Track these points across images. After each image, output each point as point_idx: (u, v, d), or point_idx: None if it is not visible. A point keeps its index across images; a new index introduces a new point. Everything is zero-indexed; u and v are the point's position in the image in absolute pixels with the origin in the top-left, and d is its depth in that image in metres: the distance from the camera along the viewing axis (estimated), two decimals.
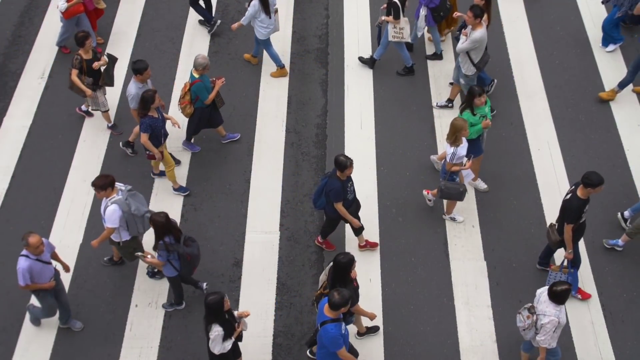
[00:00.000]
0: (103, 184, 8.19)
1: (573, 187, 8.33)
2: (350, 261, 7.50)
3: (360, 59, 12.02)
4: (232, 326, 7.43)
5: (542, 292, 7.64)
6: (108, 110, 10.78)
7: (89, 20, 11.90)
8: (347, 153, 10.74)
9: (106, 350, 8.66)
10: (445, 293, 9.19)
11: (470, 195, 10.19)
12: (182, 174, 10.46)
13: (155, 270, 9.15)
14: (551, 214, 9.97)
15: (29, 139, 10.96)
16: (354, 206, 8.94)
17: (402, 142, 10.92)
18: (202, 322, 8.85)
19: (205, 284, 9.07)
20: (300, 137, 11.02)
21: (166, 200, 10.16)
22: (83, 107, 11.08)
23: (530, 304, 7.69)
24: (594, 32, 12.48)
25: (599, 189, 8.08)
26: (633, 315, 8.97)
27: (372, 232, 9.77)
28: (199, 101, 10.00)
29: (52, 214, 9.97)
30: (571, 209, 8.20)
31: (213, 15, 12.76)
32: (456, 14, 11.01)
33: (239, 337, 7.63)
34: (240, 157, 10.74)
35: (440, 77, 11.84)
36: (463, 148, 9.06)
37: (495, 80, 11.51)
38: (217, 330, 7.28)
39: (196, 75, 9.84)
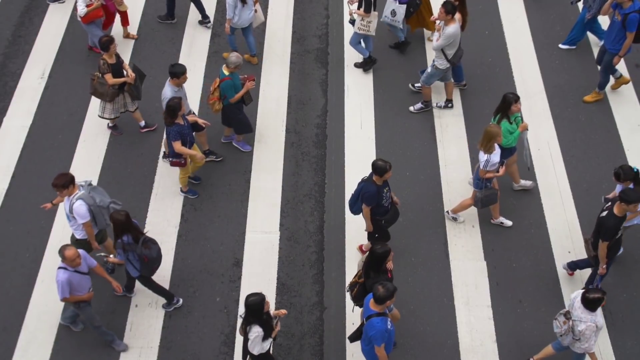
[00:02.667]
0: (64, 183, 8.15)
1: (609, 203, 8.22)
2: (386, 252, 7.58)
3: (356, 64, 12.04)
4: (270, 326, 7.43)
5: (576, 298, 7.60)
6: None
7: (109, 20, 11.94)
8: (347, 153, 10.75)
9: (106, 350, 8.66)
10: (445, 293, 9.19)
11: (470, 195, 10.18)
12: None
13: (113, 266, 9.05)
14: (551, 214, 9.98)
15: (29, 139, 10.96)
16: (391, 212, 8.81)
17: (402, 142, 10.93)
18: (201, 323, 8.87)
19: (180, 300, 9.03)
20: (300, 137, 11.02)
21: (166, 200, 10.16)
22: (142, 124, 10.93)
23: (566, 310, 7.65)
24: None
25: (633, 207, 7.95)
26: (633, 315, 8.97)
27: None
28: (226, 99, 9.96)
29: (52, 214, 9.97)
30: (608, 227, 8.09)
31: (206, 13, 12.76)
32: (433, 18, 10.97)
33: (275, 337, 7.62)
34: (240, 157, 10.74)
35: None
36: (496, 155, 8.95)
37: (466, 86, 11.63)
38: (256, 331, 7.27)
39: (226, 73, 9.78)
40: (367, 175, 8.56)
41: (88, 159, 10.68)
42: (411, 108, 11.31)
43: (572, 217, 9.97)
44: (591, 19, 11.66)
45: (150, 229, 9.82)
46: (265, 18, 12.92)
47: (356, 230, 9.81)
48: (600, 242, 8.23)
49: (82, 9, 11.11)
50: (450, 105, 11.31)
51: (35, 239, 9.70)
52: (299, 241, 9.76)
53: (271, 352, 7.90)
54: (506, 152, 9.40)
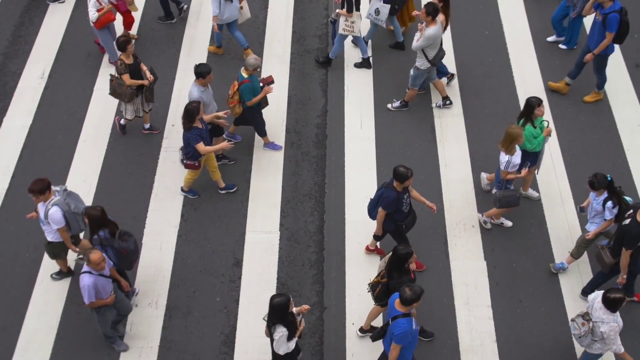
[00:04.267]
0: (41, 188, 8.13)
1: (631, 211, 8.18)
2: (408, 254, 7.61)
3: (356, 64, 12.08)
4: (294, 325, 7.42)
5: (595, 299, 7.58)
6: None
7: (125, 19, 11.93)
8: (347, 153, 10.75)
9: (106, 350, 8.66)
10: (445, 293, 9.19)
11: (470, 196, 10.20)
12: (182, 172, 10.46)
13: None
14: (551, 214, 9.97)
15: (29, 139, 10.96)
16: (409, 218, 8.77)
17: (402, 142, 10.93)
18: (201, 323, 8.88)
19: (137, 291, 9.06)
20: (300, 137, 11.02)
21: (166, 200, 10.16)
22: (146, 126, 10.92)
23: (584, 311, 7.65)
24: None
25: None
26: (633, 315, 8.97)
27: (372, 233, 9.75)
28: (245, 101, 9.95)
29: None
30: (631, 235, 8.02)
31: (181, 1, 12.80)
32: (414, 13, 11.00)
33: (300, 335, 7.61)
34: (240, 157, 10.74)
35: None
36: (517, 156, 8.92)
37: (455, 76, 11.58)
38: (281, 331, 7.26)
39: (245, 75, 9.73)
40: (387, 181, 8.51)
41: (88, 159, 10.68)
42: (389, 105, 11.34)
43: (572, 217, 9.97)
44: (576, 17, 11.68)
45: (150, 229, 9.83)
46: (265, 18, 12.93)
47: (356, 230, 9.82)
48: (624, 251, 8.16)
49: (93, 14, 10.99)
50: (448, 102, 11.30)
51: (35, 239, 9.70)
52: (299, 241, 9.76)
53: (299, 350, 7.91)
54: (531, 157, 9.34)
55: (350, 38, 12.24)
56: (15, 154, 10.76)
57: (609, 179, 8.44)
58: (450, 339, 8.78)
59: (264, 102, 10.26)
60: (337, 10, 11.29)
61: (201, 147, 9.19)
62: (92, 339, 8.75)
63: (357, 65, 12.03)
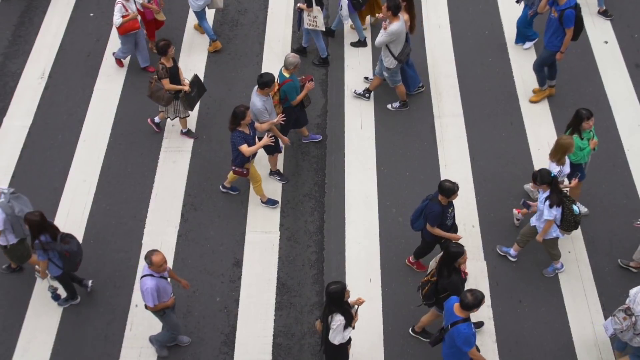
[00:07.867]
0: None
1: None
2: (459, 252, 7.60)
3: (314, 62, 12.10)
4: (350, 315, 7.38)
5: (637, 293, 7.61)
6: (188, 116, 10.59)
7: (148, 29, 11.87)
8: (347, 153, 10.75)
9: (106, 350, 8.67)
10: None
11: (470, 196, 10.19)
12: (182, 172, 10.47)
13: (57, 291, 8.87)
14: None
15: (29, 139, 10.97)
16: (451, 231, 8.72)
17: (402, 142, 10.93)
18: (201, 323, 8.87)
19: (90, 282, 9.04)
20: (301, 137, 11.02)
21: (166, 200, 10.17)
22: (157, 119, 10.87)
23: (625, 306, 7.66)
24: (594, 32, 12.48)
25: None
26: None
27: (372, 233, 9.78)
28: (286, 101, 9.85)
29: (52, 214, 9.97)
30: None
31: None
32: (380, 16, 11.01)
33: (354, 326, 7.58)
34: None
35: (440, 77, 11.84)
36: (567, 166, 8.86)
37: (424, 87, 11.53)
38: (339, 320, 7.22)
39: (287, 75, 9.67)
40: (433, 193, 8.44)
41: (88, 159, 10.68)
42: (389, 105, 11.35)
43: None
44: (533, 16, 11.68)
45: (150, 229, 9.84)
46: (265, 18, 12.94)
47: (356, 230, 9.82)
48: None
49: (117, 19, 10.94)
50: (367, 95, 11.37)
51: None
52: (299, 241, 9.76)
53: (350, 345, 7.86)
54: (577, 168, 9.24)
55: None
56: (15, 154, 10.76)
57: (553, 175, 8.37)
58: None
59: (306, 101, 10.20)
60: (299, 5, 11.33)
61: (244, 148, 9.10)
62: (92, 339, 8.76)
63: (315, 63, 12.03)
